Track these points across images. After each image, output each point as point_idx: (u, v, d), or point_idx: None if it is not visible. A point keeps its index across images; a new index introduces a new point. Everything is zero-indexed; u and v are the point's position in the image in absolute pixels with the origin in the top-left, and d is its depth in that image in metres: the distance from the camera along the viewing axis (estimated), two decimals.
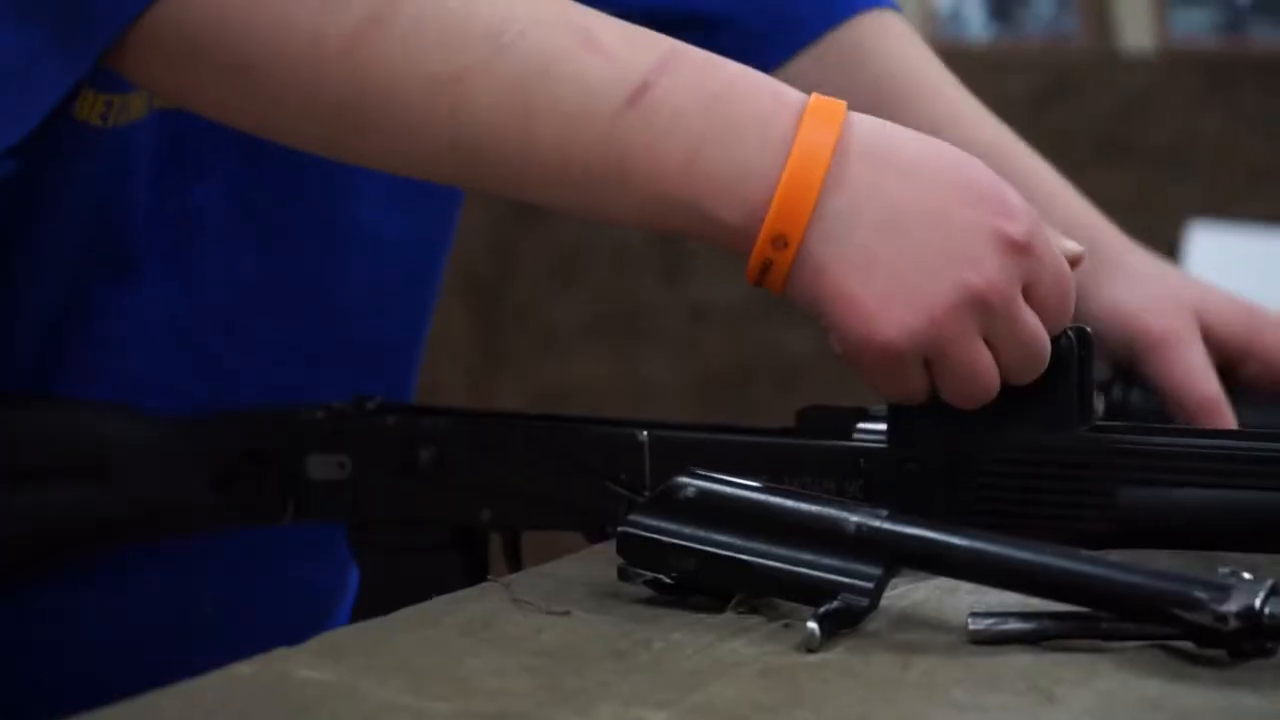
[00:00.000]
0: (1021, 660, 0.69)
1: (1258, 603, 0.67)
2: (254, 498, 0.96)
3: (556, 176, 0.80)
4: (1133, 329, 0.98)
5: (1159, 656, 0.70)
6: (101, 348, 0.98)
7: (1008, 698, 0.65)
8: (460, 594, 0.80)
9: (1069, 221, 1.02)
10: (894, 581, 0.80)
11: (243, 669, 0.68)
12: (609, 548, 0.89)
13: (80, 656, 1.02)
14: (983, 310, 0.78)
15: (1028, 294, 0.80)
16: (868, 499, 0.86)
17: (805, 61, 1.10)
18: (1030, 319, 0.80)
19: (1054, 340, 0.82)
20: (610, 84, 0.79)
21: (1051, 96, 3.16)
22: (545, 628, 0.75)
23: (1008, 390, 0.82)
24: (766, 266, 0.80)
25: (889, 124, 0.82)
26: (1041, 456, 0.83)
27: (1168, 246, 3.10)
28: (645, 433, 0.90)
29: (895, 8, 1.15)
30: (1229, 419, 0.97)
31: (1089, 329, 0.84)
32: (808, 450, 0.87)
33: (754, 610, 0.76)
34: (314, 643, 0.72)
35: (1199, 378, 0.96)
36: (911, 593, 0.78)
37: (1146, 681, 0.67)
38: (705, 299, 3.23)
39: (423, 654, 0.71)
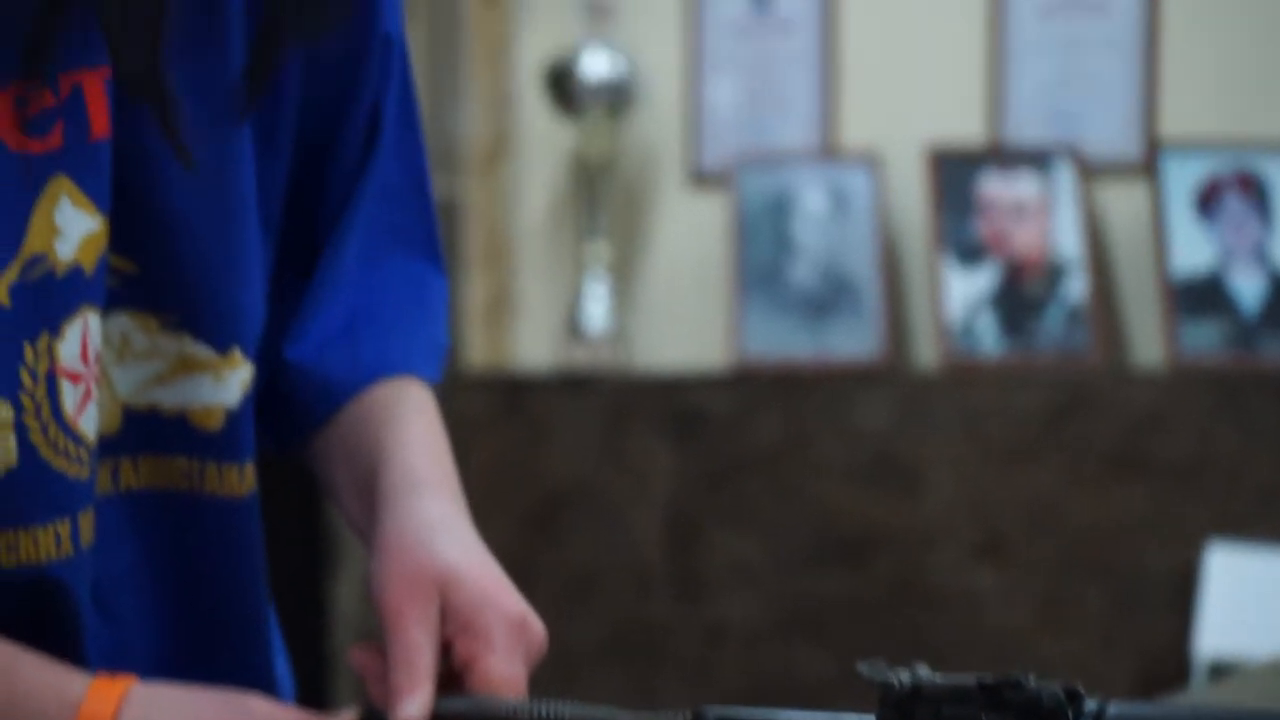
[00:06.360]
0: None
1: None
2: None
3: None
4: (379, 602, 1.00)
5: None
6: None
7: None
8: None
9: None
10: None
11: None
12: None
13: None
14: None
15: None
16: None
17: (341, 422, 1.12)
18: None
19: (1042, 695, 0.83)
20: None
21: (1065, 412, 3.18)
22: None
23: None
24: None
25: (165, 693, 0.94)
26: None
27: (1185, 565, 3.09)
28: None
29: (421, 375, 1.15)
30: (425, 693, 0.96)
31: (1079, 688, 0.84)
32: None
33: None
34: None
35: (415, 651, 0.97)
36: None
37: None
38: (721, 618, 3.22)
39: None
